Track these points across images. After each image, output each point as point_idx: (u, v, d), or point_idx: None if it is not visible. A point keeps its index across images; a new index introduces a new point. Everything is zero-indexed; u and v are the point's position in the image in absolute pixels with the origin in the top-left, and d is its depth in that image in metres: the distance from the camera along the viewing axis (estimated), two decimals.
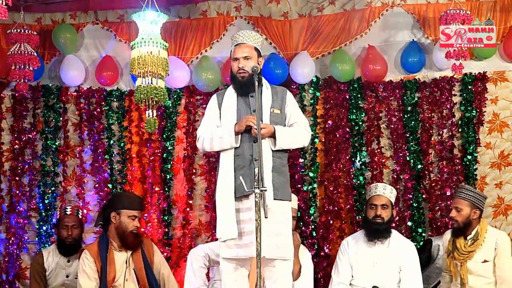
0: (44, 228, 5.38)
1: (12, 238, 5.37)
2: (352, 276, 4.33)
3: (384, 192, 4.31)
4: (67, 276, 4.64)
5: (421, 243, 5.08)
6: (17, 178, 5.44)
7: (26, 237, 5.44)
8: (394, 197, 4.40)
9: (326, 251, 5.35)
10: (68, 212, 4.74)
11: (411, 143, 5.43)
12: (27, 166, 5.46)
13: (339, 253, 4.45)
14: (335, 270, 4.41)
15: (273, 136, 3.56)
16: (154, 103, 4.24)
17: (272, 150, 3.58)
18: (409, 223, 5.33)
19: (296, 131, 3.70)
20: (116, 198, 4.41)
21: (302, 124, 3.76)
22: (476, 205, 4.29)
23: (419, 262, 4.30)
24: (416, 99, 5.47)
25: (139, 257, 4.11)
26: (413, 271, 4.22)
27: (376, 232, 4.25)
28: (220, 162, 3.63)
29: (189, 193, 5.55)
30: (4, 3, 3.06)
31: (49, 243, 5.29)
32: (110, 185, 5.51)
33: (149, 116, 4.32)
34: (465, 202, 4.28)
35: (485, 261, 4.26)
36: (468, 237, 4.30)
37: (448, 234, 4.50)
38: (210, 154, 5.48)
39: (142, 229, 5.47)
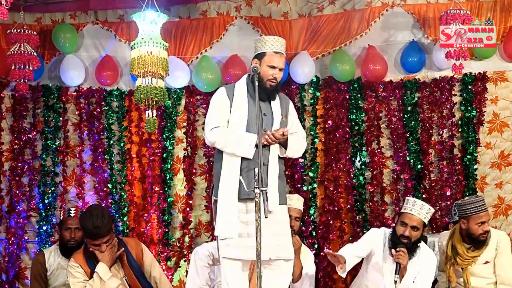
0: (44, 228, 5.37)
1: (12, 238, 5.37)
2: (366, 271, 4.27)
3: (420, 213, 4.13)
4: None
5: None
6: (17, 178, 5.44)
7: (26, 237, 5.43)
8: (430, 216, 4.23)
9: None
10: (72, 214, 4.65)
11: (411, 143, 5.43)
12: (27, 166, 5.46)
13: (368, 235, 4.34)
14: (355, 243, 4.36)
15: (283, 143, 3.59)
16: (154, 103, 4.24)
17: (279, 157, 3.60)
18: None
19: (301, 142, 3.76)
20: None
21: (301, 135, 3.80)
22: None
23: (433, 274, 4.21)
24: (416, 99, 5.48)
25: (127, 264, 4.02)
26: (423, 284, 4.11)
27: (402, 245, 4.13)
28: (225, 161, 3.58)
29: (189, 193, 5.55)
30: (4, 3, 3.05)
31: (49, 243, 5.28)
32: (110, 185, 5.50)
33: (149, 116, 4.32)
34: (487, 212, 4.28)
35: (486, 262, 4.25)
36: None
37: (444, 238, 4.46)
38: (210, 154, 5.49)
39: (142, 229, 5.48)
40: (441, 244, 4.46)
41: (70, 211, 4.70)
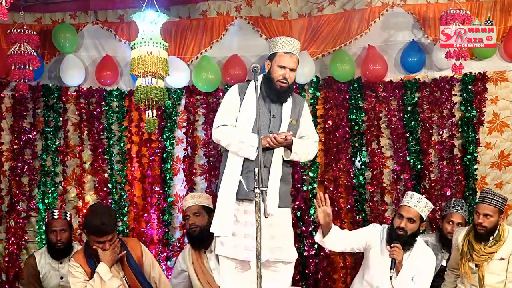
0: (44, 228, 5.37)
1: (12, 238, 5.37)
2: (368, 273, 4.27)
3: (416, 205, 4.15)
4: (62, 278, 4.60)
5: None
6: (17, 178, 5.44)
7: (26, 237, 5.43)
8: (428, 211, 4.24)
9: (326, 251, 5.35)
10: (56, 216, 4.63)
11: (411, 143, 5.43)
12: (27, 166, 5.46)
13: (365, 228, 4.39)
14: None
15: (288, 146, 3.56)
16: (154, 103, 4.24)
17: (283, 160, 3.59)
18: None
19: (310, 146, 3.72)
20: (85, 219, 4.13)
21: (313, 138, 3.76)
22: (502, 210, 4.25)
23: (432, 274, 4.21)
24: (416, 99, 5.47)
25: (126, 265, 4.02)
26: (421, 283, 4.11)
27: (397, 241, 4.13)
28: (229, 160, 3.60)
29: (189, 193, 5.55)
30: (4, 3, 3.05)
31: None
32: (110, 185, 5.50)
33: (149, 116, 4.32)
34: (494, 208, 4.18)
35: (501, 259, 4.22)
36: (490, 238, 4.25)
37: (460, 234, 4.40)
38: (210, 154, 5.49)
39: (142, 229, 5.48)
40: (457, 240, 4.41)
41: (54, 213, 4.67)
